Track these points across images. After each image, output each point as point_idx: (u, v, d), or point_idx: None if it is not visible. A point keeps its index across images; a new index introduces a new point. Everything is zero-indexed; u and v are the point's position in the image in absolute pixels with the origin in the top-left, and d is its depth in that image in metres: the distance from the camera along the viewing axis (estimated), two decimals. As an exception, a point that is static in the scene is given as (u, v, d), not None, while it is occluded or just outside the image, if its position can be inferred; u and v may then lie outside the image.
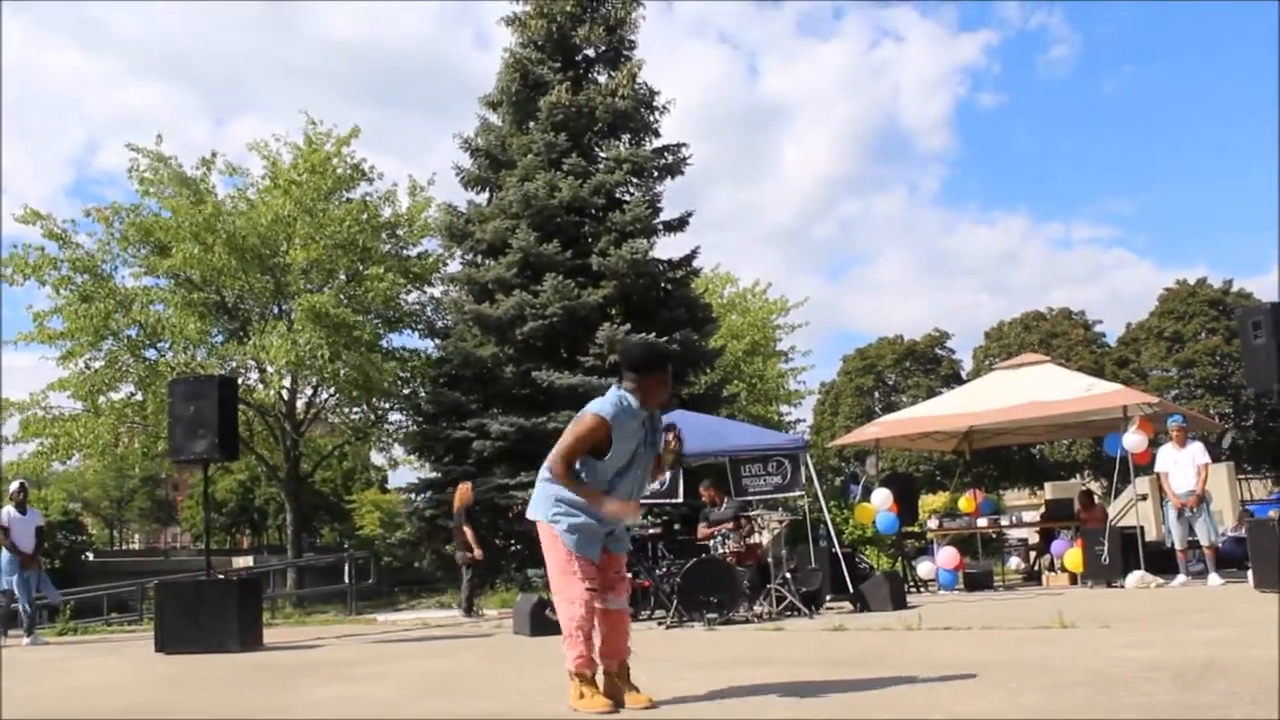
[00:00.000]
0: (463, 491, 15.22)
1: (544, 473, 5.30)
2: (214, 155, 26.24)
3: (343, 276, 26.14)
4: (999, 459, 46.02)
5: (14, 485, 14.37)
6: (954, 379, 56.58)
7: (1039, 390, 15.71)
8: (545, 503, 5.26)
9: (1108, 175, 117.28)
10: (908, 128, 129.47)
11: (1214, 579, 12.45)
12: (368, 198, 26.45)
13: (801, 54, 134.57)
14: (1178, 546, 13.11)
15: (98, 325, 24.23)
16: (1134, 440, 13.63)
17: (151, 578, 22.17)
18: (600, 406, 5.15)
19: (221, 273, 24.46)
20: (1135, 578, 13.10)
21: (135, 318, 24.68)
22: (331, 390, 27.10)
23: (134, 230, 25.02)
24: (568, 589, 5.15)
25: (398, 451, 29.70)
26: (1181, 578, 12.91)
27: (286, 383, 26.38)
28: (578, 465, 5.16)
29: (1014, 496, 46.75)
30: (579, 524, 5.16)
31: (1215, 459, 18.07)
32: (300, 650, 10.30)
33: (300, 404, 27.82)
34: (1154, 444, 14.21)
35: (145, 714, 6.17)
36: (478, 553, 14.70)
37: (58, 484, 54.62)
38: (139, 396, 25.23)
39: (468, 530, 14.74)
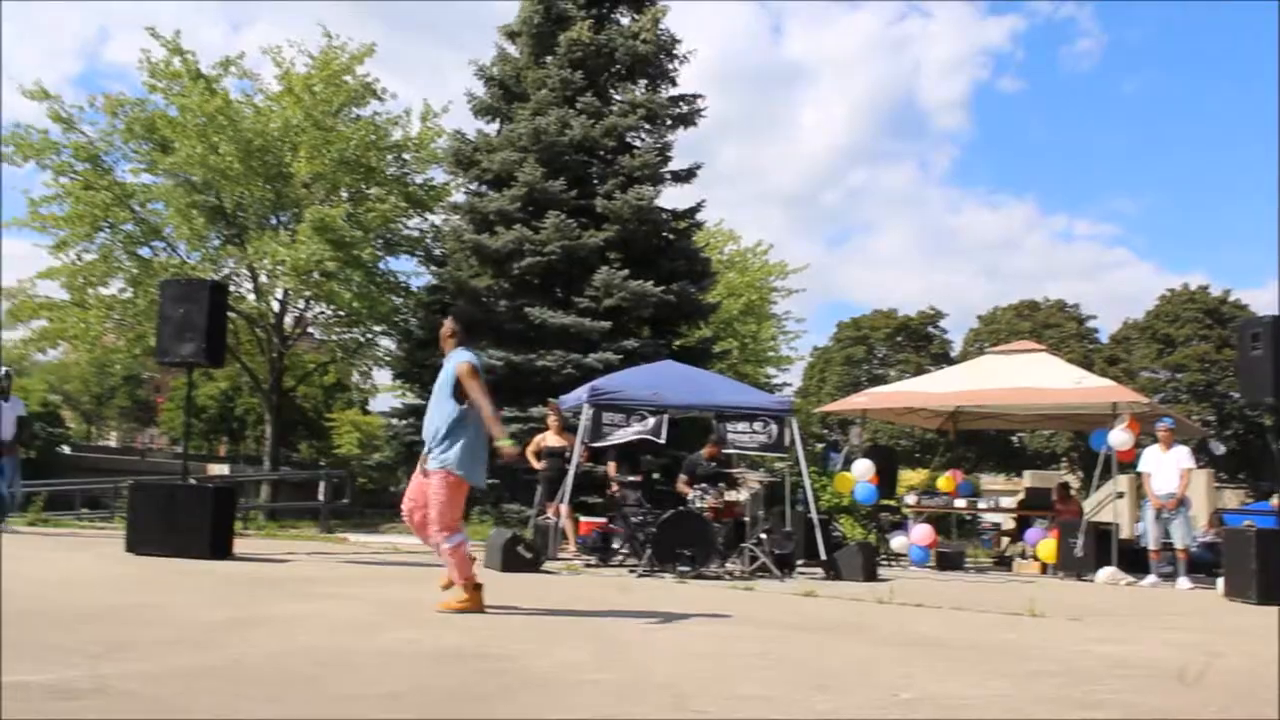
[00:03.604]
0: None
1: (456, 428, 6.45)
2: (240, 55, 25.88)
3: (345, 194, 25.87)
4: (979, 442, 46.16)
5: (-1, 372, 14.25)
6: (943, 358, 56.60)
7: (1031, 377, 15.66)
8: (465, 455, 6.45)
9: (1118, 174, 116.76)
10: (925, 104, 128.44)
11: (1183, 582, 12.50)
12: (377, 117, 26.14)
13: (828, 19, 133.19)
14: (1151, 547, 13.16)
15: (95, 215, 23.99)
16: (1120, 438, 13.60)
17: (126, 476, 22.16)
18: (471, 357, 6.52)
19: (224, 176, 24.15)
20: (1106, 573, 13.14)
21: (134, 213, 24.42)
22: (330, 308, 26.84)
23: (138, 124, 24.69)
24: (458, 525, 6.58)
25: (381, 376, 29.66)
26: (1152, 578, 12.94)
27: (279, 294, 26.21)
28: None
29: (990, 481, 46.93)
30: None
31: (1198, 465, 18.08)
32: (270, 563, 10.27)
33: (289, 318, 27.66)
34: (1138, 444, 14.19)
35: (100, 613, 6.12)
36: None
37: (39, 374, 54.41)
38: (129, 293, 25.04)
39: None
